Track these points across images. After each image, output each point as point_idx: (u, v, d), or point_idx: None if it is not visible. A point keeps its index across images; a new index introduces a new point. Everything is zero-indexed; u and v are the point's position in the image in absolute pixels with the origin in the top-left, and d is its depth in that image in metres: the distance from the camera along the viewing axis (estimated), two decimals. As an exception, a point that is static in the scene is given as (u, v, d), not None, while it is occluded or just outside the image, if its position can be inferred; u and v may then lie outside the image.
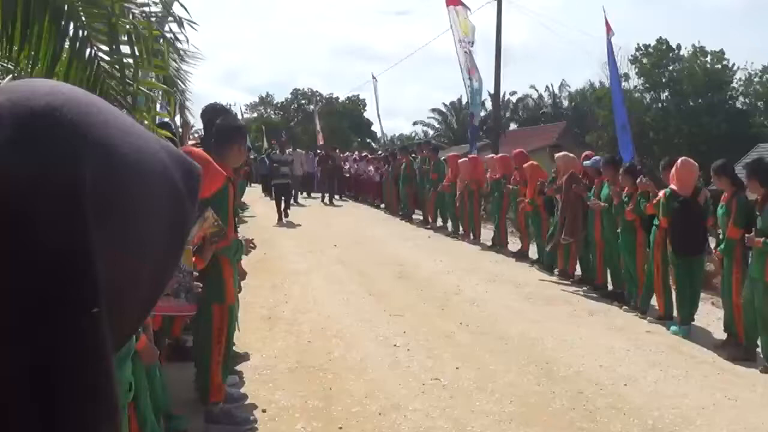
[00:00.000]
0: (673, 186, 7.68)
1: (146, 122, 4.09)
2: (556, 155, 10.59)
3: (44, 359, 0.59)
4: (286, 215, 18.09)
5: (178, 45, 4.49)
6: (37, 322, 0.59)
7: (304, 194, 25.62)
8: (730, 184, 7.10)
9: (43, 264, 0.59)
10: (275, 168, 19.10)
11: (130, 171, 0.65)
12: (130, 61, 3.89)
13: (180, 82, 4.48)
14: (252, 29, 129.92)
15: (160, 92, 4.38)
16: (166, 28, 4.30)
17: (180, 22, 4.30)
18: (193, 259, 4.10)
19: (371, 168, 24.11)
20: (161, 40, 4.20)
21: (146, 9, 4.14)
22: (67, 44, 3.82)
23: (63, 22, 3.75)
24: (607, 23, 14.65)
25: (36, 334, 0.59)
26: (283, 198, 18.24)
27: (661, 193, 7.84)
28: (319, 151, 29.13)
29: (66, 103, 0.63)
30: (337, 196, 25.31)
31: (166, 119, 5.26)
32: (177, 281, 2.99)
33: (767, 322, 6.52)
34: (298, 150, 26.13)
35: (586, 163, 9.87)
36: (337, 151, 27.98)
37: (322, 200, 24.30)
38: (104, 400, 0.63)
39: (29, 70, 3.76)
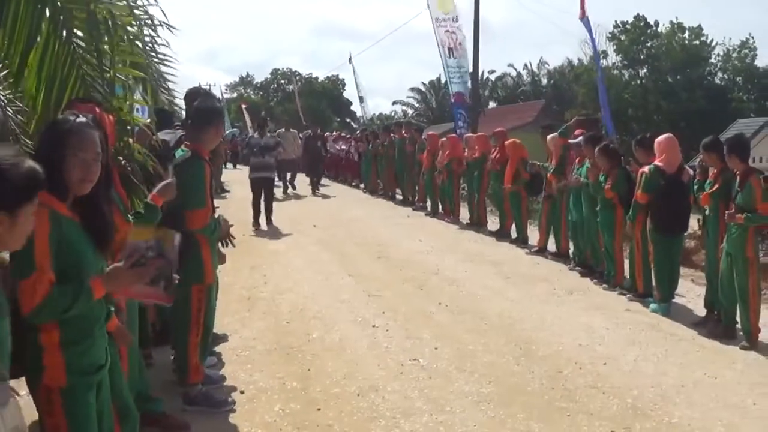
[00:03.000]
0: (658, 163, 7.61)
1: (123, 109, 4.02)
2: (549, 137, 10.48)
3: None
4: (269, 221, 13.43)
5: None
6: None
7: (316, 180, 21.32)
8: (719, 161, 7.04)
9: None
10: (253, 155, 13.84)
11: None
12: (107, 47, 3.81)
13: (157, 68, 4.37)
14: (232, 9, 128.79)
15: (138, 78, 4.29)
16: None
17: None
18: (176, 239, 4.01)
19: (345, 146, 23.78)
20: (137, 27, 4.12)
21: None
22: (43, 28, 3.74)
23: (39, 5, 3.67)
24: (582, 6, 14.76)
25: None
26: (264, 197, 13.43)
27: (645, 169, 7.75)
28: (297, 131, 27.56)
29: None
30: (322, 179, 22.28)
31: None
32: (158, 268, 2.89)
33: (746, 295, 6.56)
34: (291, 130, 21.69)
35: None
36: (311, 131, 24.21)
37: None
38: None
39: (3, 53, 3.68)
